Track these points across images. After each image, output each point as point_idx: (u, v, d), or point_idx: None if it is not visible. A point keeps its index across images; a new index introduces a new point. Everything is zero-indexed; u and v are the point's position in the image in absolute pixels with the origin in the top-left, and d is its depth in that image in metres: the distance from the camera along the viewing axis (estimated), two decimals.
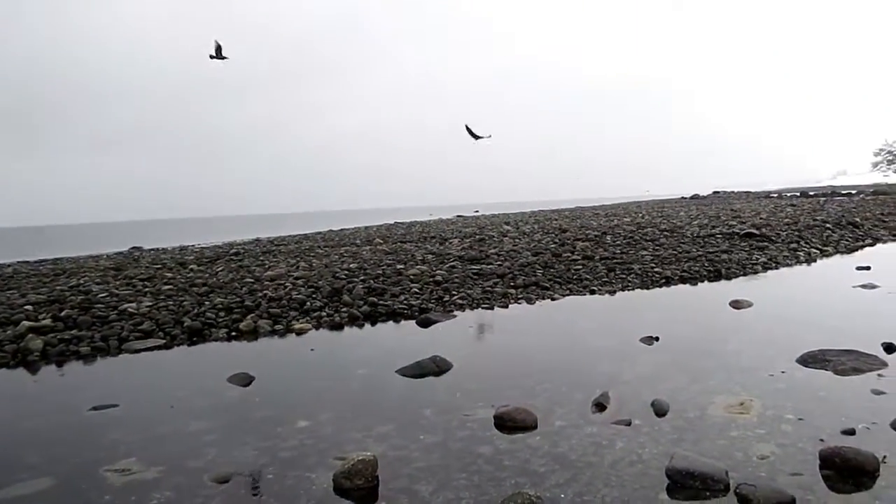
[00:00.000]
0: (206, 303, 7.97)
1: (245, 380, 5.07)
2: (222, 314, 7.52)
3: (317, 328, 7.15)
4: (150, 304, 7.98)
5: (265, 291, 8.45)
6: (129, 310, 7.60)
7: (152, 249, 20.06)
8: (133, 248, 21.09)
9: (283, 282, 9.15)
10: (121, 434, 4.00)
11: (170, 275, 10.87)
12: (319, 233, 24.82)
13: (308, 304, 7.87)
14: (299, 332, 6.95)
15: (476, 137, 10.35)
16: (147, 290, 9.14)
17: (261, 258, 13.41)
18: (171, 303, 8.04)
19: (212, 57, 9.36)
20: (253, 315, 7.40)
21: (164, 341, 6.69)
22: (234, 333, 6.99)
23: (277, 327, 7.15)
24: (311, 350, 6.25)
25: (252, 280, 9.49)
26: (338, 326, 7.20)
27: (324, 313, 7.58)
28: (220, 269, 11.49)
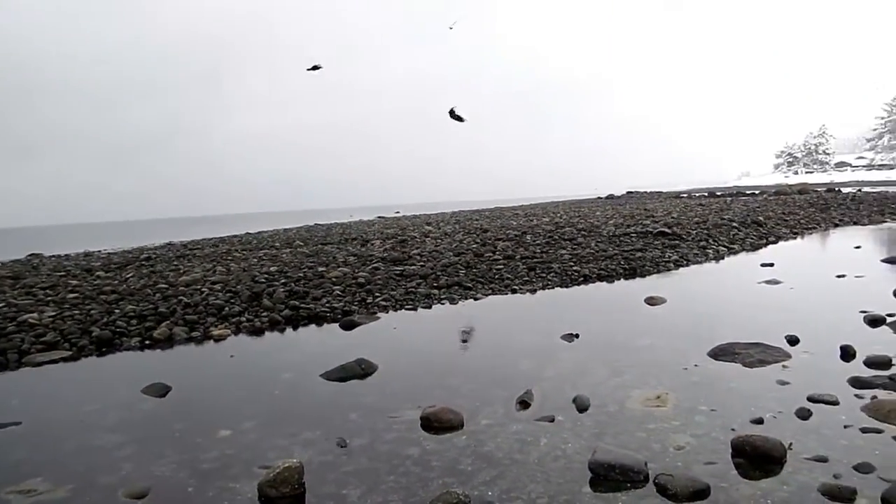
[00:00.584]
0: (117, 311, 7.69)
1: (161, 390, 4.92)
2: (134, 322, 7.27)
3: (236, 334, 7.01)
4: (54, 313, 7.62)
5: (180, 297, 8.22)
6: (30, 320, 7.23)
7: (53, 256, 19.10)
8: (31, 254, 19.96)
9: (199, 287, 8.92)
10: (24, 453, 3.81)
11: (75, 282, 10.41)
12: (236, 236, 24.25)
13: (226, 309, 7.70)
14: (218, 339, 6.79)
15: (459, 120, 10.61)
16: (50, 298, 8.73)
17: (174, 263, 13.01)
18: (77, 312, 7.71)
19: (308, 69, 10.04)
20: (168, 322, 7.19)
21: (70, 353, 6.40)
22: (147, 342, 6.76)
23: (194, 334, 6.96)
24: (231, 356, 6.12)
25: (166, 286, 9.20)
26: (258, 331, 7.07)
27: (243, 318, 7.44)
28: (130, 275, 11.09)
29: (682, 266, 10.63)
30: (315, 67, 10.13)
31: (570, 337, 5.83)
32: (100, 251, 20.11)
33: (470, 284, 9.02)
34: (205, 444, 3.77)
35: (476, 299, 8.36)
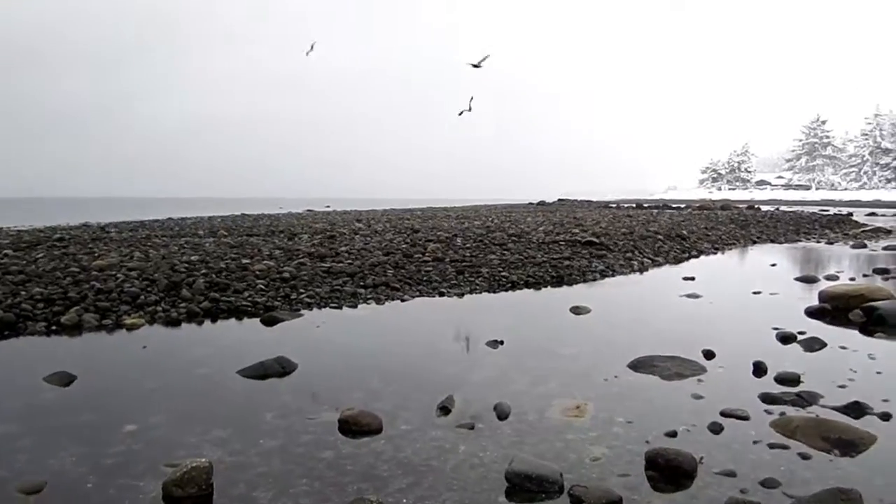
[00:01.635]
0: (23, 293, 7.31)
1: (65, 379, 4.69)
2: (41, 306, 6.93)
3: (151, 324, 6.77)
4: None
5: (93, 282, 7.88)
6: None
7: None
8: None
9: (114, 272, 8.58)
10: None
11: None
12: (157, 221, 23.53)
13: (142, 297, 7.44)
14: (131, 328, 6.54)
15: (476, 66, 11.51)
16: None
17: (89, 245, 12.50)
18: None
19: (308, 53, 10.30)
20: (77, 308, 6.89)
21: None
22: (54, 327, 6.46)
23: (106, 322, 6.69)
24: (144, 347, 5.91)
25: (78, 269, 8.82)
26: (175, 322, 6.86)
27: (159, 308, 7.20)
28: (40, 255, 10.58)
29: (608, 276, 10.85)
30: (480, 60, 10.51)
31: (495, 343, 5.86)
32: (9, 228, 19.13)
33: (397, 285, 8.98)
34: (109, 438, 3.61)
35: (403, 300, 8.32)
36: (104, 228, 18.47)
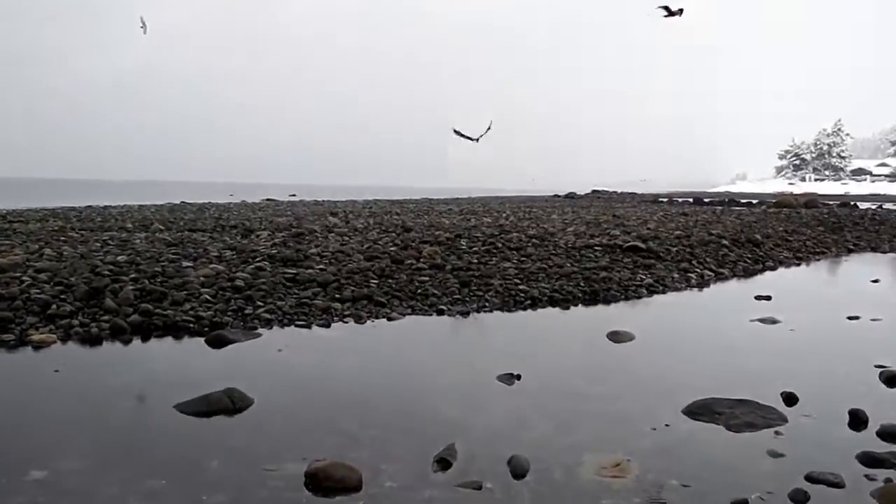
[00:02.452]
0: None
1: None
2: None
3: (65, 341, 6.77)
4: None
5: None
6: None
7: None
8: None
9: (18, 274, 8.57)
10: None
11: None
12: (75, 209, 23.54)
13: (54, 307, 7.42)
14: (39, 346, 6.55)
15: (469, 138, 12.28)
16: None
17: None
18: None
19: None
20: None
21: None
22: None
23: (6, 337, 6.68)
24: (56, 371, 5.89)
25: None
26: (95, 340, 6.86)
27: (76, 321, 7.20)
28: None
29: (657, 293, 10.84)
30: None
31: (510, 378, 5.85)
32: None
33: (384, 299, 8.97)
34: (9, 486, 3.61)
35: (390, 319, 8.31)
36: (5, 217, 18.47)
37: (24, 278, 8.37)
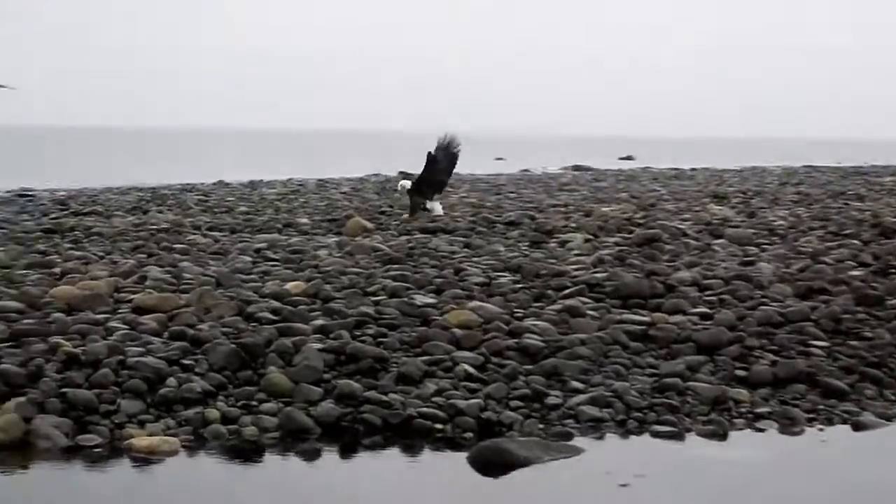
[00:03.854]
0: None
1: None
2: None
3: (193, 448, 4.31)
4: None
5: None
6: None
7: None
8: None
9: (101, 316, 5.68)
10: None
11: None
12: (193, 187, 18.34)
13: (172, 382, 4.74)
14: (145, 455, 4.14)
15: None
16: None
17: None
18: None
19: None
20: None
21: None
22: None
23: (88, 438, 4.22)
24: None
25: None
26: (249, 449, 4.38)
27: (213, 411, 4.59)
28: None
29: None
30: None
31: None
32: None
33: (844, 384, 5.19)
34: None
35: (859, 426, 4.87)
36: (65, 206, 13.92)
37: (112, 325, 5.58)
